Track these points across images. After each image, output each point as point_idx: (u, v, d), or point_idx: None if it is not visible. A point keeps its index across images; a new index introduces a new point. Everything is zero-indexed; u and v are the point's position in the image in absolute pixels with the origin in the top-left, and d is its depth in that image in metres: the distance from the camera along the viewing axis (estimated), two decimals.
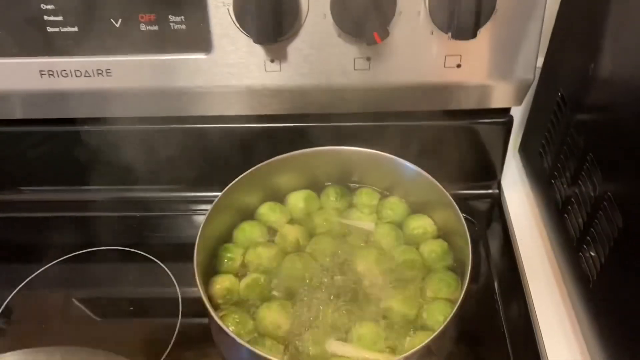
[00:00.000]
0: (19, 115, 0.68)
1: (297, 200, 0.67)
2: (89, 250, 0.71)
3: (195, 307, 0.64)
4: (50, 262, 0.70)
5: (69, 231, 0.75)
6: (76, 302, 0.67)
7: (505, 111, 0.69)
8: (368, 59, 0.61)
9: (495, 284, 0.66)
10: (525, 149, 0.77)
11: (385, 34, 0.55)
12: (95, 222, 0.77)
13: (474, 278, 0.66)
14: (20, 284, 0.68)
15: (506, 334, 0.61)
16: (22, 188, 0.78)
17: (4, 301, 0.66)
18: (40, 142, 0.74)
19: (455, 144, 0.71)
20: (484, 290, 0.66)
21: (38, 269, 0.69)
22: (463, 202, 0.62)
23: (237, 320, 0.55)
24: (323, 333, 0.54)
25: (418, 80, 0.62)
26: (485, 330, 0.62)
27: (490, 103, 0.66)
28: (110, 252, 0.71)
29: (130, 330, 0.64)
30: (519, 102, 0.66)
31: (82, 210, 0.78)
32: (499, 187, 0.76)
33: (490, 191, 0.75)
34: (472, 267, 0.54)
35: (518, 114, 0.73)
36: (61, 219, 0.77)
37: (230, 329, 0.51)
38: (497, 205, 0.75)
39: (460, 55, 0.60)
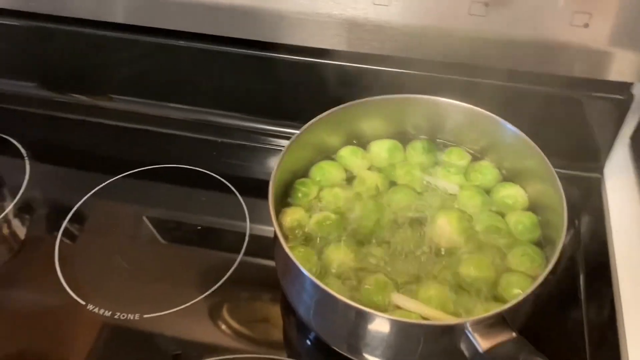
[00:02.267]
0: (120, 19, 0.68)
1: (381, 149, 0.64)
2: (166, 165, 0.72)
3: (260, 246, 0.64)
4: (125, 172, 0.71)
5: (149, 145, 0.76)
6: (144, 217, 0.67)
7: (626, 87, 0.63)
8: (486, 4, 0.56)
9: (581, 272, 0.61)
10: (638, 137, 0.70)
11: None
12: (176, 140, 0.77)
13: (559, 261, 0.61)
14: (93, 189, 0.69)
15: (584, 326, 0.56)
16: (113, 96, 0.79)
17: (75, 205, 0.68)
18: (137, 53, 0.74)
19: (561, 115, 0.65)
20: (568, 275, 0.61)
21: (113, 177, 0.71)
22: None
23: (302, 253, 0.53)
24: (388, 283, 0.52)
25: (537, 36, 0.57)
26: (561, 316, 0.58)
27: (611, 74, 0.60)
28: (187, 171, 0.71)
29: (189, 254, 0.64)
30: None
31: (166, 126, 0.78)
32: (602, 172, 0.69)
33: (590, 174, 0.69)
34: (564, 245, 0.49)
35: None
36: (144, 132, 0.78)
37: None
38: (595, 191, 0.69)
39: (590, 14, 0.54)
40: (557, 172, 0.54)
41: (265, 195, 0.52)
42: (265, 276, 0.61)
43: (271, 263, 0.58)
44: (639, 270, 0.59)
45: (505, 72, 0.62)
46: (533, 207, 0.58)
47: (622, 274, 0.59)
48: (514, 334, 0.43)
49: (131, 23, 0.69)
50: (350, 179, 0.61)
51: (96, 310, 0.58)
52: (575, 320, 0.57)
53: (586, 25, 0.55)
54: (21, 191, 0.70)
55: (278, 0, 0.60)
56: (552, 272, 0.48)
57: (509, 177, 0.61)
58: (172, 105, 0.78)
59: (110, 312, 0.58)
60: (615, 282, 0.58)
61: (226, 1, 0.62)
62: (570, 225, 0.64)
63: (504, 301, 0.51)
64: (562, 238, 0.49)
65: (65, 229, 0.65)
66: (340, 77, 0.67)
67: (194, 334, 0.57)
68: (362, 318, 0.47)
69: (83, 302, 0.58)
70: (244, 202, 0.68)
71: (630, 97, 0.63)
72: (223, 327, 0.57)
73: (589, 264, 0.62)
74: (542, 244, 0.55)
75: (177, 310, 0.58)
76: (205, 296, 0.59)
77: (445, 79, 0.65)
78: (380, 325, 0.46)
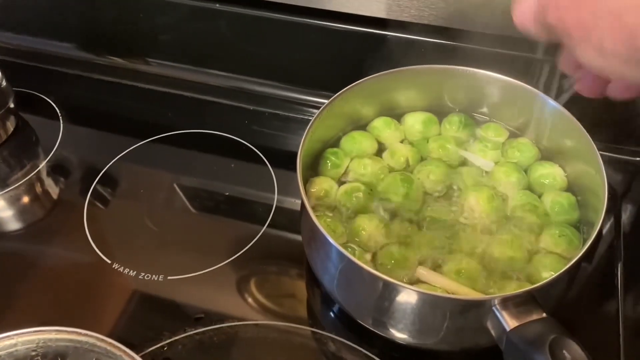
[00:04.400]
0: None
1: (415, 121, 0.62)
2: (196, 131, 0.71)
3: (286, 218, 0.63)
4: (156, 135, 0.71)
5: (182, 109, 0.76)
6: (173, 182, 0.67)
7: None
8: None
9: (619, 261, 0.58)
10: None
11: None
12: (210, 106, 0.76)
13: (596, 247, 0.58)
14: (124, 151, 0.69)
15: (620, 315, 0.54)
16: (150, 60, 0.79)
17: (105, 166, 0.68)
18: (175, 17, 0.74)
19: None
20: (605, 263, 0.58)
21: (143, 140, 0.71)
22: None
23: (329, 222, 0.52)
24: (414, 256, 0.50)
25: None
26: (596, 304, 0.55)
27: None
28: (217, 137, 0.71)
29: (215, 221, 0.64)
30: None
31: (199, 92, 0.77)
32: None
33: (636, 159, 0.66)
34: (601, 226, 0.46)
35: None
36: (178, 97, 0.78)
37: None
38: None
39: None
40: (600, 155, 0.51)
41: (295, 167, 0.50)
42: (289, 248, 0.60)
43: (295, 236, 0.57)
44: None
45: (549, 46, 0.59)
46: (572, 188, 0.56)
47: None
48: (544, 314, 0.41)
49: None
50: (381, 151, 0.60)
51: (121, 269, 0.58)
52: (611, 309, 0.55)
53: None
54: (53, 150, 0.71)
55: None
56: (588, 257, 0.45)
57: (548, 155, 0.58)
58: (206, 70, 0.78)
59: (135, 272, 0.58)
60: None
61: None
62: (611, 212, 0.62)
63: (534, 282, 0.49)
64: (600, 218, 0.46)
65: (95, 189, 0.66)
66: (378, 46, 0.65)
67: (215, 299, 0.56)
68: (383, 288, 0.45)
69: (109, 261, 0.59)
70: (274, 172, 0.67)
71: None
72: (245, 294, 0.57)
73: (629, 252, 0.59)
74: (581, 228, 0.53)
75: (199, 275, 0.57)
76: (227, 263, 0.58)
77: (485, 51, 0.62)
78: (402, 297, 0.45)
